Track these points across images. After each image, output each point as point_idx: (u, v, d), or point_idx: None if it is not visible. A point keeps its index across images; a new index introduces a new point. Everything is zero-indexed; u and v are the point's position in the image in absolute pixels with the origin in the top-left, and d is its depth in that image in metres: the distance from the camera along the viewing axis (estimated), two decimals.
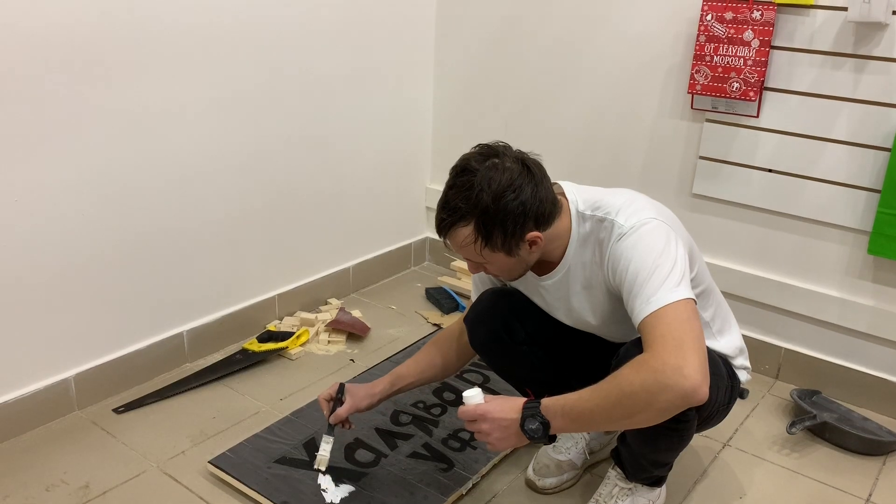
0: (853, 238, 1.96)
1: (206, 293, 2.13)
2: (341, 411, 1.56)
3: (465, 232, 1.31)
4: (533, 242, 1.33)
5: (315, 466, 1.61)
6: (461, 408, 1.31)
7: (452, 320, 2.38)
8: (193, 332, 2.11)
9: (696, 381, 1.12)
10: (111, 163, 1.81)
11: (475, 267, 1.41)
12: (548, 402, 1.24)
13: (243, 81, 2.05)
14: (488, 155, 1.32)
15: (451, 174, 1.34)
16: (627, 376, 1.17)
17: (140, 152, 1.86)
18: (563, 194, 1.41)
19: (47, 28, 1.62)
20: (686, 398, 1.13)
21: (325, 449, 1.58)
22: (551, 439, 1.28)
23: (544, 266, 1.45)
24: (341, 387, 1.60)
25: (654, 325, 1.19)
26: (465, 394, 1.30)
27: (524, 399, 1.28)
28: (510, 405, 1.27)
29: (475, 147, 1.35)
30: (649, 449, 1.42)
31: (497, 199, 1.27)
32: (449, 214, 1.32)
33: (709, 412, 1.40)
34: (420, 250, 2.87)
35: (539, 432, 1.24)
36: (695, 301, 1.24)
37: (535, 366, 1.57)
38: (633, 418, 1.18)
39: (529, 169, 1.31)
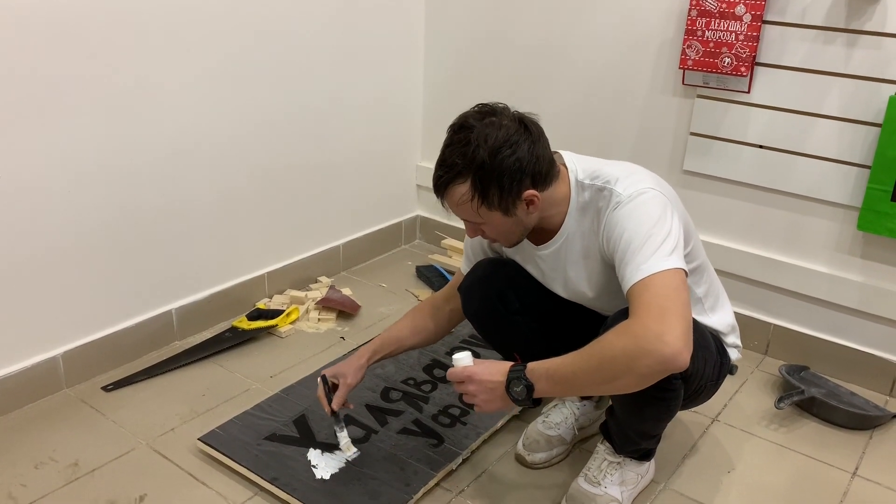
0: (843, 214, 1.96)
1: (195, 271, 2.12)
2: (340, 393, 1.57)
3: (462, 190, 1.31)
4: (530, 202, 1.33)
5: (347, 458, 1.61)
6: (450, 370, 1.34)
7: None
8: (182, 310, 2.10)
9: (676, 348, 1.13)
10: (97, 140, 1.79)
11: (473, 230, 1.40)
12: (533, 366, 1.26)
13: (232, 59, 2.03)
14: (486, 113, 1.32)
15: (448, 132, 1.34)
16: (610, 341, 1.19)
17: (127, 130, 1.84)
18: (563, 164, 1.41)
19: (33, 3, 1.59)
20: (665, 364, 1.14)
21: (343, 436, 1.61)
22: (536, 403, 1.30)
23: (542, 235, 1.45)
24: (324, 378, 1.61)
25: (640, 293, 1.20)
26: (454, 356, 1.34)
27: (511, 363, 1.30)
28: (497, 368, 1.30)
29: (474, 106, 1.36)
30: (636, 419, 1.43)
31: (493, 154, 1.27)
32: (446, 171, 1.31)
33: (697, 386, 1.41)
34: (411, 228, 2.86)
35: (523, 395, 1.26)
36: (686, 272, 1.25)
37: (528, 337, 1.57)
38: (613, 383, 1.20)
39: (527, 127, 1.32)
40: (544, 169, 1.33)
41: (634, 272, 1.22)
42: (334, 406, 1.57)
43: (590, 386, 1.24)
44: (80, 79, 1.72)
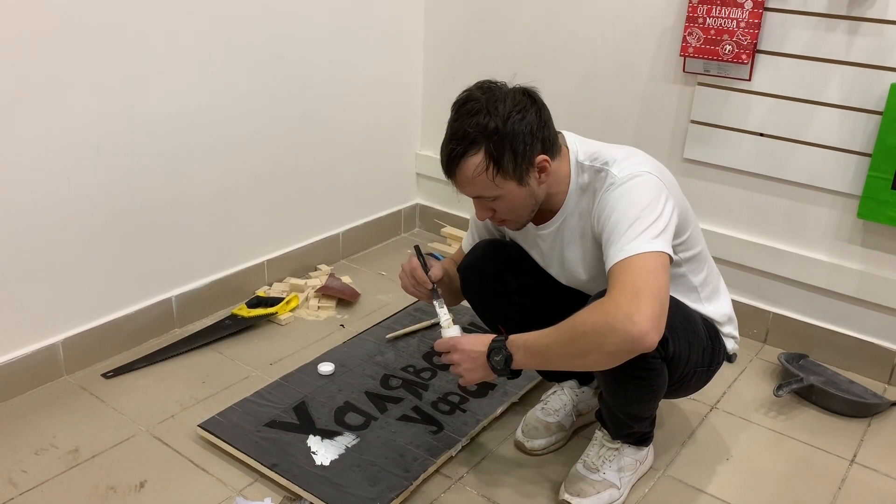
0: (843, 202, 1.96)
1: (195, 258, 2.11)
2: (436, 270, 1.52)
3: (476, 160, 1.31)
4: (542, 169, 1.34)
5: (444, 329, 1.44)
6: (437, 340, 1.39)
7: None
8: (182, 298, 2.10)
9: (643, 329, 1.15)
10: (98, 127, 1.78)
11: (484, 210, 1.40)
12: (514, 338, 1.30)
13: (233, 48, 2.02)
14: (488, 87, 1.34)
15: (453, 109, 1.35)
16: (583, 318, 1.22)
17: (128, 117, 1.83)
18: (565, 144, 1.42)
19: None
20: (632, 343, 1.17)
21: (444, 312, 1.46)
22: (515, 374, 1.34)
23: (543, 215, 1.46)
24: (418, 249, 1.54)
25: (619, 272, 1.22)
26: (443, 328, 1.40)
27: (495, 335, 1.34)
28: (480, 339, 1.35)
29: (473, 84, 1.37)
30: (621, 400, 1.44)
31: (505, 120, 1.29)
32: (458, 143, 1.31)
33: (684, 371, 1.41)
34: (410, 217, 2.86)
35: (501, 364, 1.30)
36: (670, 257, 1.26)
37: (524, 318, 1.57)
38: (584, 358, 1.23)
39: (531, 95, 1.34)
40: (552, 135, 1.36)
41: (617, 252, 1.24)
42: (433, 275, 1.49)
43: (562, 360, 1.27)
44: (81, 65, 1.71)
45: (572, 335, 1.22)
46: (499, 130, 1.29)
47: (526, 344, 1.28)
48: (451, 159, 1.33)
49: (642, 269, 1.21)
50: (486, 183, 1.33)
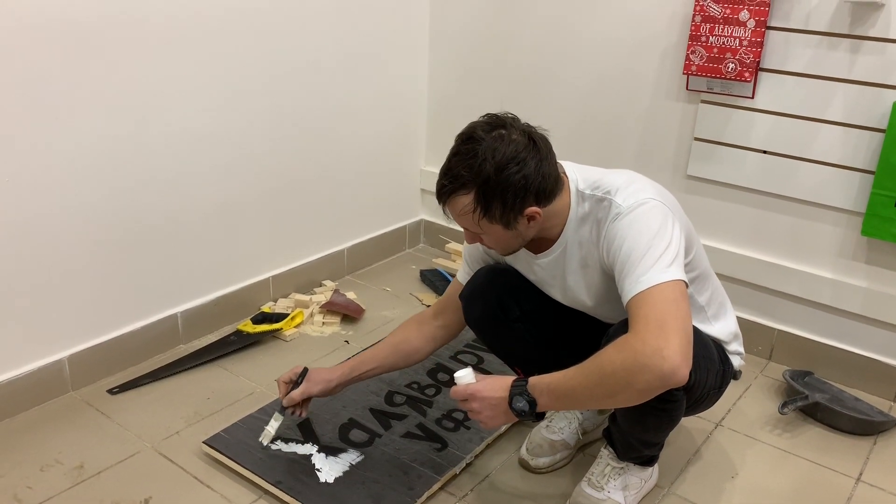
0: (847, 219, 1.96)
1: (200, 274, 2.12)
2: (294, 394, 1.59)
3: (465, 201, 1.31)
4: (531, 218, 1.33)
5: (259, 439, 1.65)
6: (453, 388, 1.33)
7: None
8: (187, 314, 2.11)
9: (674, 363, 1.12)
10: (104, 144, 1.80)
11: (471, 237, 1.41)
12: (534, 381, 1.26)
13: (237, 64, 2.04)
14: (495, 125, 1.31)
15: (456, 141, 1.34)
16: (609, 356, 1.18)
17: (133, 134, 1.85)
18: (563, 173, 1.40)
19: (37, 8, 1.60)
20: (664, 379, 1.14)
21: (273, 426, 1.64)
22: (539, 417, 1.30)
23: (541, 244, 1.45)
24: (304, 371, 1.62)
25: (639, 305, 1.19)
26: (456, 374, 1.33)
27: (513, 378, 1.30)
28: (499, 384, 1.29)
29: (483, 116, 1.35)
30: (638, 428, 1.43)
31: (500, 170, 1.27)
32: (450, 181, 1.31)
33: (699, 395, 1.41)
34: (415, 232, 2.87)
35: (526, 410, 1.26)
36: (686, 283, 1.24)
37: (530, 344, 1.57)
38: (614, 397, 1.19)
39: (535, 143, 1.31)
40: (549, 186, 1.33)
41: (634, 284, 1.22)
42: (285, 402, 1.60)
43: (590, 400, 1.24)
44: (84, 82, 1.73)
45: (600, 376, 1.18)
46: (490, 181, 1.27)
47: (550, 387, 1.24)
48: (441, 194, 1.34)
49: (662, 299, 1.18)
50: (471, 222, 1.33)
